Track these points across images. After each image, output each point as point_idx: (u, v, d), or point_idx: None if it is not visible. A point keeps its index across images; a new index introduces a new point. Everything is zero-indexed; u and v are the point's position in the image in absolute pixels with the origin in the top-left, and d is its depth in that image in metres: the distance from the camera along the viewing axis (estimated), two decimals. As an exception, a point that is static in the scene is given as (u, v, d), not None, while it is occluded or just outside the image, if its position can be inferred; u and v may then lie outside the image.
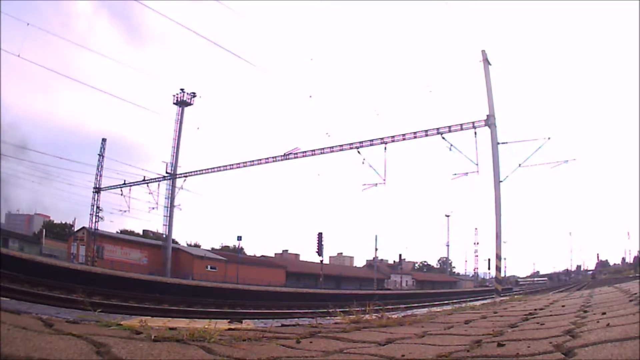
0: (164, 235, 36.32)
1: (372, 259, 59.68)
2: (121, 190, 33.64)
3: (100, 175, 36.69)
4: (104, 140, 38.15)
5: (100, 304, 4.69)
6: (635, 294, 3.29)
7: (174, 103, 36.50)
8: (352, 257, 75.94)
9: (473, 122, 18.48)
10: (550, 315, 2.56)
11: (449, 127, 19.13)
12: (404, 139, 20.57)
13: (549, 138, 19.07)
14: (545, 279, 77.36)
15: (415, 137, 20.21)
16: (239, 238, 42.89)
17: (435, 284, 66.17)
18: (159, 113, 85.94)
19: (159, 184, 32.98)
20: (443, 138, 19.26)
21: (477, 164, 18.83)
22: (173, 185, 33.60)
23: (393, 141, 20.70)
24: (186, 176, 32.17)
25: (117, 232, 47.69)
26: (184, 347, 1.31)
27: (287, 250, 65.10)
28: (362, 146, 21.39)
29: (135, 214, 64.85)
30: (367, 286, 51.35)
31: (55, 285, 11.30)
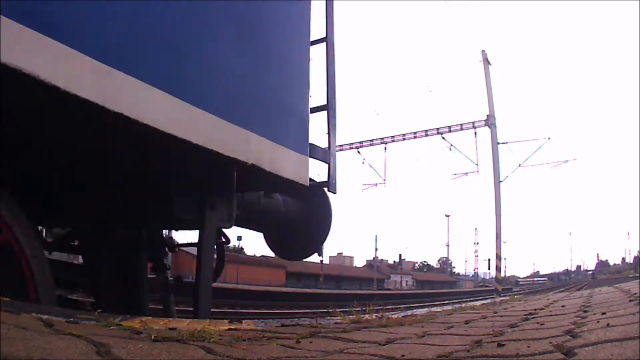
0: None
1: (372, 259, 59.71)
2: (121, 190, 33.62)
3: (100, 175, 36.65)
4: (103, 140, 38.10)
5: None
6: (635, 294, 3.29)
7: (174, 103, 36.46)
8: (352, 257, 75.96)
9: (473, 122, 18.51)
10: (550, 315, 2.56)
11: (449, 127, 19.16)
12: (404, 139, 20.60)
13: (549, 138, 19.13)
14: (545, 279, 77.35)
15: (415, 137, 20.24)
16: (239, 238, 42.85)
17: (435, 284, 66.19)
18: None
19: (159, 184, 32.97)
20: (443, 138, 19.31)
21: (477, 164, 18.88)
22: (173, 185, 33.59)
23: (393, 141, 20.73)
24: (186, 176, 32.16)
25: (117, 232, 47.63)
26: (184, 347, 1.31)
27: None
28: (362, 146, 21.41)
29: (135, 214, 64.80)
30: (367, 286, 51.36)
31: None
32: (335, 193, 3.54)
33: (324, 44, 3.71)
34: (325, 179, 3.52)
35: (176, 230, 3.44)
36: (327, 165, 3.47)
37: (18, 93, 1.85)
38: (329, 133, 3.56)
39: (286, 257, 4.38)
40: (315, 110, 3.54)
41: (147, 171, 2.77)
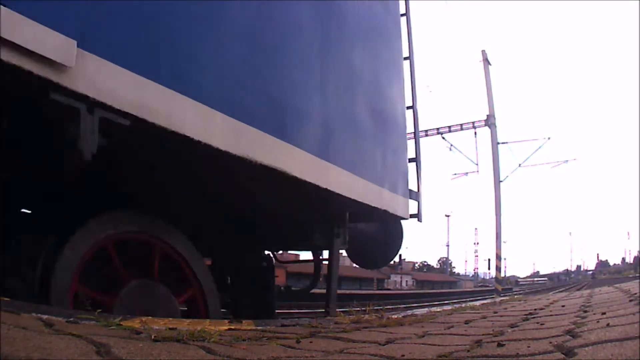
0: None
1: (372, 259, 59.54)
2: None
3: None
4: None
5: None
6: (635, 294, 3.29)
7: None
8: (352, 257, 75.69)
9: (473, 122, 18.51)
10: (550, 315, 2.56)
11: (449, 127, 19.15)
12: (404, 139, 20.55)
13: (549, 138, 19.15)
14: (545, 279, 77.32)
15: (415, 137, 20.17)
16: (239, 238, 42.82)
17: (435, 284, 66.14)
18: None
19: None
20: (443, 138, 19.30)
21: (477, 164, 18.87)
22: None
23: (393, 141, 20.67)
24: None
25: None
26: (184, 347, 1.31)
27: (287, 250, 65.01)
28: (362, 146, 21.36)
29: (135, 214, 64.70)
30: (367, 286, 51.31)
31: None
32: (421, 222, 4.73)
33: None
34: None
35: (315, 251, 4.57)
36: (417, 202, 4.71)
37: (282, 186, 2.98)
38: (418, 180, 4.77)
39: (366, 266, 5.58)
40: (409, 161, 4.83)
41: (318, 217, 3.97)
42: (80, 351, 1.04)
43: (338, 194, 3.38)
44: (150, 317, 1.90)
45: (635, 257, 69.80)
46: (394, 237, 4.92)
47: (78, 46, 1.80)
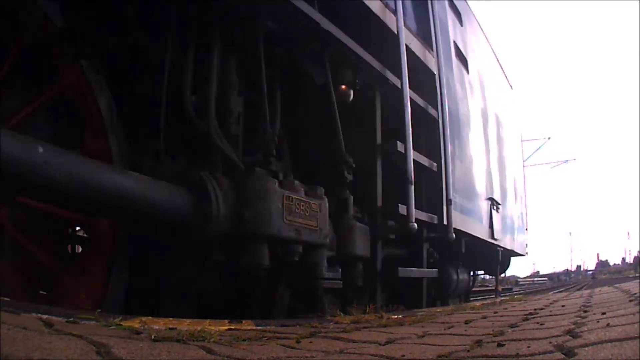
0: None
1: (372, 259, 59.46)
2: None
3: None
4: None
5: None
6: (635, 294, 3.29)
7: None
8: (352, 257, 75.57)
9: (473, 122, 18.48)
10: (550, 315, 2.56)
11: (449, 127, 19.12)
12: (404, 139, 20.55)
13: (549, 138, 19.16)
14: (545, 278, 77.15)
15: (415, 137, 20.16)
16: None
17: (435, 284, 65.91)
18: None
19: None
20: (443, 138, 19.28)
21: (477, 164, 18.83)
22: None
23: (393, 141, 20.67)
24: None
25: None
26: (184, 347, 1.31)
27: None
28: (362, 146, 21.35)
29: (135, 214, 64.60)
30: (367, 286, 51.30)
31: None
32: (527, 255, 9.56)
33: None
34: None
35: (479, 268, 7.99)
36: (527, 247, 9.40)
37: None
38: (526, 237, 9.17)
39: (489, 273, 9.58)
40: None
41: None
42: (80, 351, 1.04)
43: (511, 250, 7.48)
44: (150, 317, 1.90)
45: (635, 257, 69.82)
46: (508, 260, 8.47)
47: None
